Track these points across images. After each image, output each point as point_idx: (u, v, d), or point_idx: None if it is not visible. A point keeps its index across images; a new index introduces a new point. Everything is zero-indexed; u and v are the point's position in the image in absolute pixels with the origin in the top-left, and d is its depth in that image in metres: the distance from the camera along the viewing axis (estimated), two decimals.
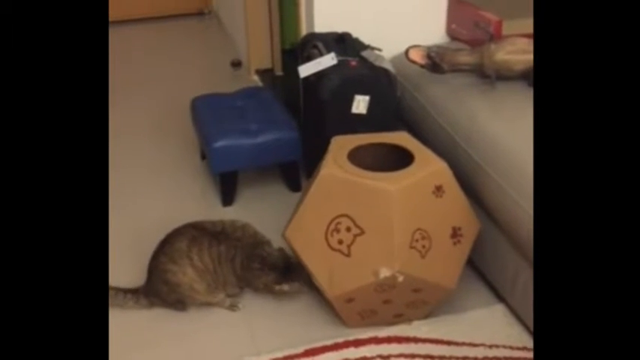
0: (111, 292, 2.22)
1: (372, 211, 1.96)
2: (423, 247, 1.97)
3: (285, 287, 2.15)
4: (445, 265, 2.02)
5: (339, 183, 2.00)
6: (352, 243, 1.98)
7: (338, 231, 1.99)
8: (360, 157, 2.08)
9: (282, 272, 2.14)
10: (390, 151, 2.13)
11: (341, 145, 2.12)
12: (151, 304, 2.22)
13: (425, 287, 2.01)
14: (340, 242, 2.00)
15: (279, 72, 3.64)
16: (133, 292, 2.23)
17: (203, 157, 2.95)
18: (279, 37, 3.65)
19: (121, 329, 2.16)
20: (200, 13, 4.49)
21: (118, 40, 4.14)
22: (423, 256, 1.97)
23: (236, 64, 3.77)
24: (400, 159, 2.08)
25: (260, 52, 3.66)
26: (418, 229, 1.97)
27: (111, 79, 3.65)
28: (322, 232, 2.01)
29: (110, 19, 4.25)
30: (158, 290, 2.19)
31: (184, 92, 3.14)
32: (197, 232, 2.16)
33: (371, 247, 1.96)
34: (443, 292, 2.06)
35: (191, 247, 2.14)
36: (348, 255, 1.99)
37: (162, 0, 4.42)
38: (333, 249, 2.00)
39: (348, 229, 1.98)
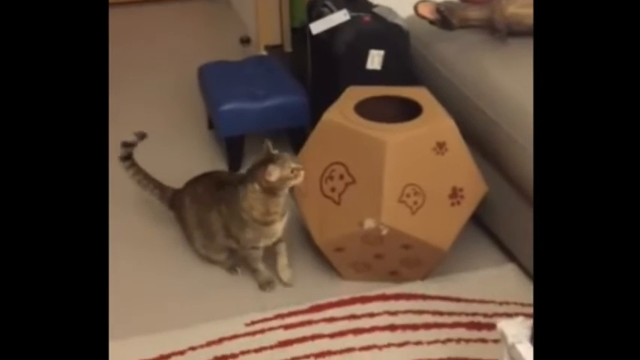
0: (144, 181, 2.27)
1: (365, 161, 1.93)
2: (415, 203, 1.92)
3: (275, 172, 1.92)
4: (438, 224, 1.97)
5: (338, 130, 1.98)
6: (343, 191, 1.95)
7: (332, 178, 1.97)
8: (371, 109, 2.05)
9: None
10: (402, 105, 2.09)
11: (353, 94, 2.10)
12: (169, 210, 2.27)
13: (414, 244, 1.97)
14: (332, 190, 1.97)
15: (288, 48, 3.60)
16: (162, 190, 2.28)
17: (210, 126, 2.92)
18: (289, 15, 3.61)
19: (127, 285, 2.13)
20: None
21: (128, 20, 4.13)
22: (413, 212, 1.92)
23: (245, 41, 3.74)
24: (411, 114, 2.04)
25: (269, 29, 3.62)
26: (411, 184, 1.92)
27: (120, 57, 3.62)
28: (317, 178, 2.00)
29: (119, 0, 4.24)
30: (174, 207, 2.24)
31: (193, 68, 3.12)
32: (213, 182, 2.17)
33: (360, 196, 1.93)
34: (435, 253, 2.01)
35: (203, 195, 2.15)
36: (338, 203, 1.96)
37: None
38: (325, 196, 1.98)
39: (341, 177, 1.95)
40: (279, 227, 2.05)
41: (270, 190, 1.96)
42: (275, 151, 1.98)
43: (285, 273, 2.10)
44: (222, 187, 2.10)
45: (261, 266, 2.10)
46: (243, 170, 2.64)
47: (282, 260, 2.10)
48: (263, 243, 2.07)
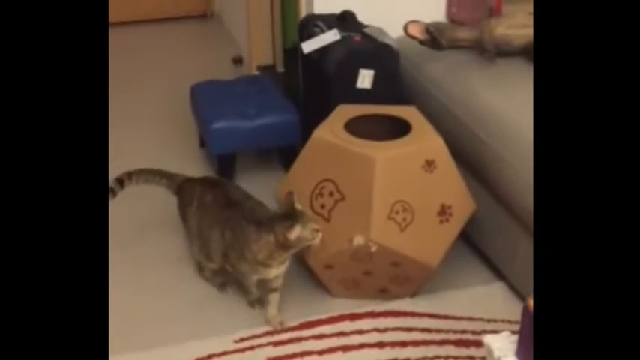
0: (150, 177, 2.29)
1: (354, 178, 1.95)
2: (404, 220, 1.94)
3: (296, 231, 1.90)
4: (427, 241, 1.98)
5: (328, 147, 2.00)
6: (333, 208, 1.97)
7: (322, 195, 1.98)
8: (361, 127, 2.07)
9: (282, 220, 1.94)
10: (392, 123, 2.11)
11: (343, 113, 2.12)
12: (174, 196, 2.26)
13: (402, 261, 1.98)
14: (322, 207, 1.99)
15: (280, 69, 3.63)
16: (170, 179, 2.27)
17: (202, 144, 2.94)
18: (281, 36, 3.65)
19: (118, 303, 2.12)
20: (203, 16, 4.51)
21: (122, 41, 4.15)
22: (402, 229, 1.94)
23: (237, 61, 3.77)
24: (400, 132, 2.06)
25: (262, 49, 3.65)
26: (400, 201, 1.94)
27: (113, 76, 3.63)
28: (308, 195, 2.01)
29: (115, 21, 4.26)
30: (180, 195, 2.24)
31: (185, 87, 3.14)
32: (216, 195, 2.13)
33: (349, 213, 1.95)
34: (423, 270, 2.02)
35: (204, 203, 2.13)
36: (328, 220, 1.97)
37: (165, 2, 4.44)
38: (315, 213, 1.99)
39: (331, 194, 1.97)
40: (274, 272, 2.00)
41: (284, 245, 1.93)
42: (298, 207, 1.95)
43: (272, 323, 2.04)
44: (232, 207, 2.05)
45: (252, 287, 2.09)
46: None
47: (271, 311, 2.04)
48: (255, 277, 2.04)
